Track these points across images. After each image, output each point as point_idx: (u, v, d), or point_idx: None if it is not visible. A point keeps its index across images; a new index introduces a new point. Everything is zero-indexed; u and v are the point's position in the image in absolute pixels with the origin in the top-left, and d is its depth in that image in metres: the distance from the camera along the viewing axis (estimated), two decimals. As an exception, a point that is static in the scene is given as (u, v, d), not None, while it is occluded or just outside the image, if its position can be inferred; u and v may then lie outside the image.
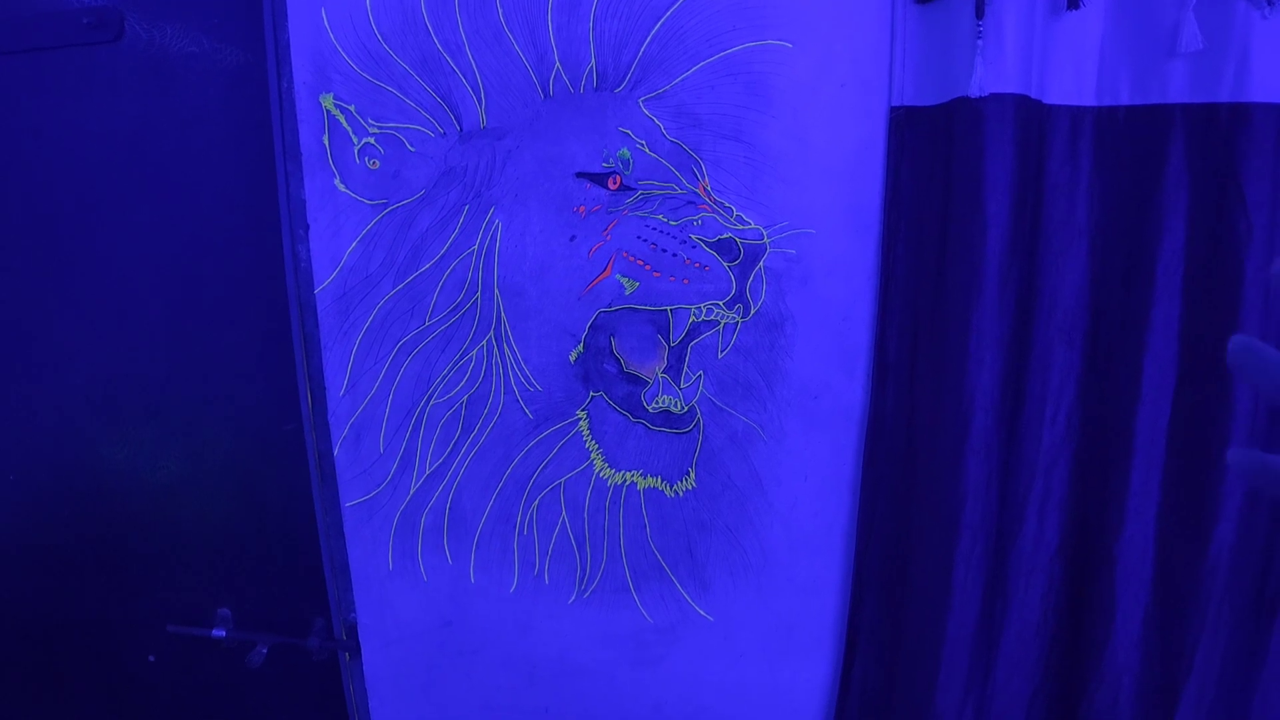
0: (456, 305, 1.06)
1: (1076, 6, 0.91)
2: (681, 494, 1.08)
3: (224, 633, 1.22)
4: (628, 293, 1.03)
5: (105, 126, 1.14)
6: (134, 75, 1.12)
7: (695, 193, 1.00)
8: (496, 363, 1.07)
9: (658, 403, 1.06)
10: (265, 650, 1.20)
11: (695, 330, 1.03)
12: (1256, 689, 0.99)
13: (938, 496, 0.98)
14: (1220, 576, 0.95)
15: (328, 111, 1.04)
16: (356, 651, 1.20)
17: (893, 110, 0.97)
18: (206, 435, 1.21)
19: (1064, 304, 0.97)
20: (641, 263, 1.02)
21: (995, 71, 0.90)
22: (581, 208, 1.02)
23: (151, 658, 1.31)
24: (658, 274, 1.02)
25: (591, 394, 1.06)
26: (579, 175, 1.02)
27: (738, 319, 1.02)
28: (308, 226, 1.07)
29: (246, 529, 1.23)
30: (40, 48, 1.13)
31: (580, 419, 1.07)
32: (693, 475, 1.07)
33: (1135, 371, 0.95)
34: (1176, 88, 0.91)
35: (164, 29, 1.10)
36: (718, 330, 1.03)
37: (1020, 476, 1.00)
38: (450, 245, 1.05)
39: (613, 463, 1.08)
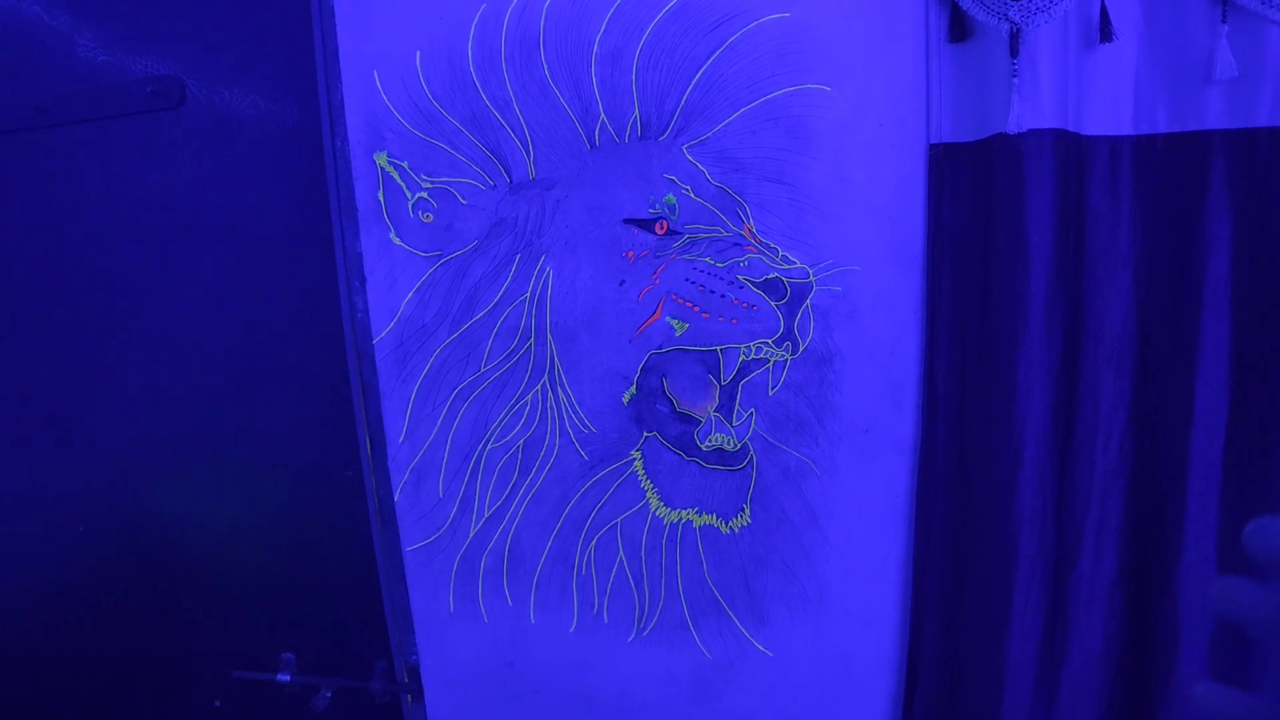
0: (511, 351, 1.09)
1: (1110, 39, 0.92)
2: (737, 530, 1.09)
3: (288, 677, 1.25)
4: (678, 334, 1.06)
5: (169, 187, 1.19)
6: (195, 138, 1.17)
7: (741, 234, 1.03)
8: (551, 406, 1.09)
9: (711, 441, 1.07)
10: (329, 694, 1.22)
11: (745, 369, 1.05)
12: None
13: (993, 526, 0.99)
14: (1285, 600, 0.94)
15: (381, 168, 1.08)
16: (419, 693, 1.22)
17: (931, 147, 0.99)
18: (269, 483, 1.24)
19: (1111, 331, 0.98)
20: (690, 304, 1.05)
21: (1032, 108, 0.92)
22: (630, 253, 1.05)
23: (218, 703, 1.33)
24: (706, 315, 1.04)
25: (645, 434, 1.09)
26: (627, 222, 1.05)
27: (787, 356, 1.04)
28: (364, 279, 1.11)
29: (309, 574, 1.25)
30: (107, 116, 1.19)
31: (635, 459, 1.09)
32: (747, 511, 1.09)
33: (1187, 396, 0.95)
34: (1214, 114, 0.92)
35: (223, 94, 1.16)
36: (768, 368, 1.05)
37: (1075, 504, 1.00)
38: (503, 293, 1.08)
39: (668, 501, 1.10)
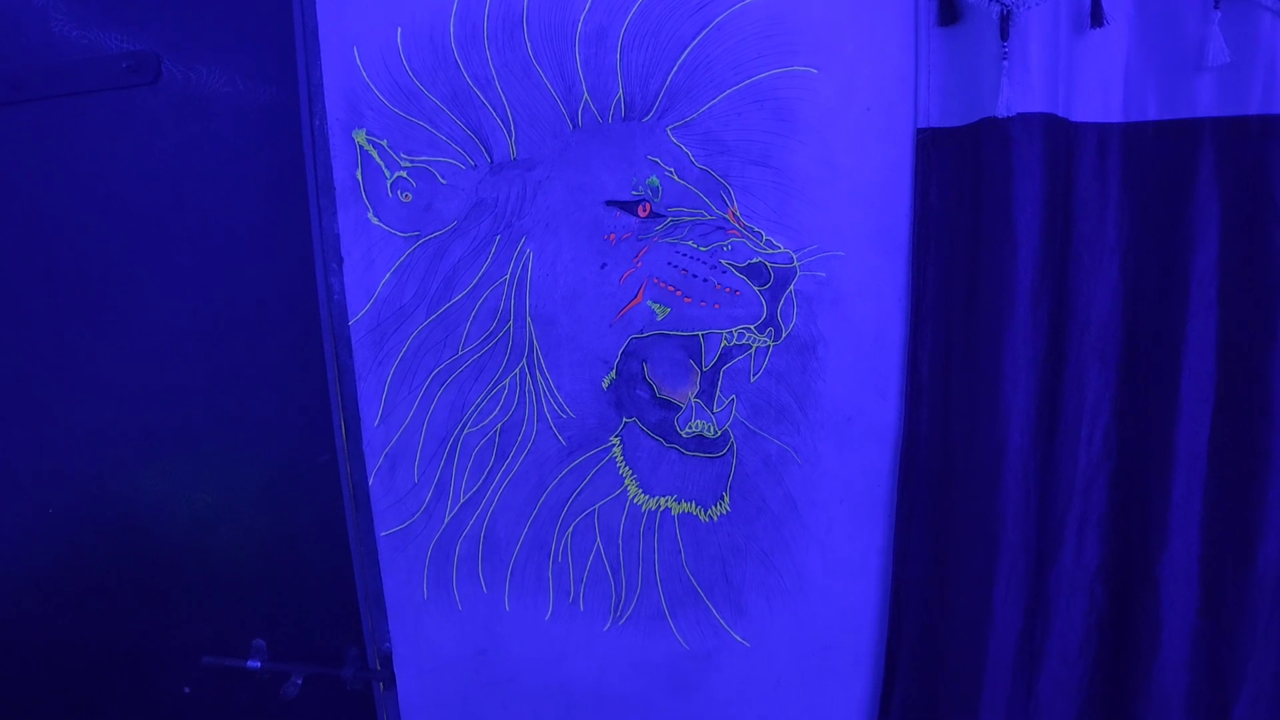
0: (489, 334, 1.07)
1: (1101, 24, 0.91)
2: (716, 519, 1.08)
3: (259, 664, 1.23)
4: (659, 319, 1.04)
5: (144, 165, 1.17)
6: (171, 115, 1.15)
7: (724, 218, 1.01)
8: (529, 391, 1.08)
9: (691, 428, 1.06)
10: (300, 681, 1.20)
11: (727, 355, 1.04)
12: (1310, 709, 0.97)
13: (976, 517, 0.97)
14: (1268, 594, 0.94)
15: (360, 147, 1.06)
16: (391, 681, 1.20)
17: (919, 132, 0.98)
18: (241, 466, 1.22)
19: (1097, 321, 0.97)
20: (672, 289, 1.03)
21: (1021, 91, 0.90)
22: (612, 235, 1.03)
23: (187, 689, 1.31)
24: (689, 299, 1.03)
25: (625, 420, 1.07)
26: (609, 204, 1.03)
27: (769, 342, 1.03)
28: (341, 259, 1.09)
29: (281, 559, 1.23)
30: (81, 91, 1.17)
31: (614, 445, 1.08)
32: (727, 500, 1.07)
33: (1173, 388, 0.94)
34: (1205, 101, 0.91)
35: (200, 70, 1.13)
36: (749, 354, 1.03)
37: (1058, 496, 0.99)
38: (482, 275, 1.06)
39: (647, 488, 1.08)
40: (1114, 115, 0.94)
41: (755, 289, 1.01)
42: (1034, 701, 1.01)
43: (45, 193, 1.22)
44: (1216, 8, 0.88)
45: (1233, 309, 0.92)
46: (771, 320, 1.02)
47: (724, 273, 1.02)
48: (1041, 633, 1.01)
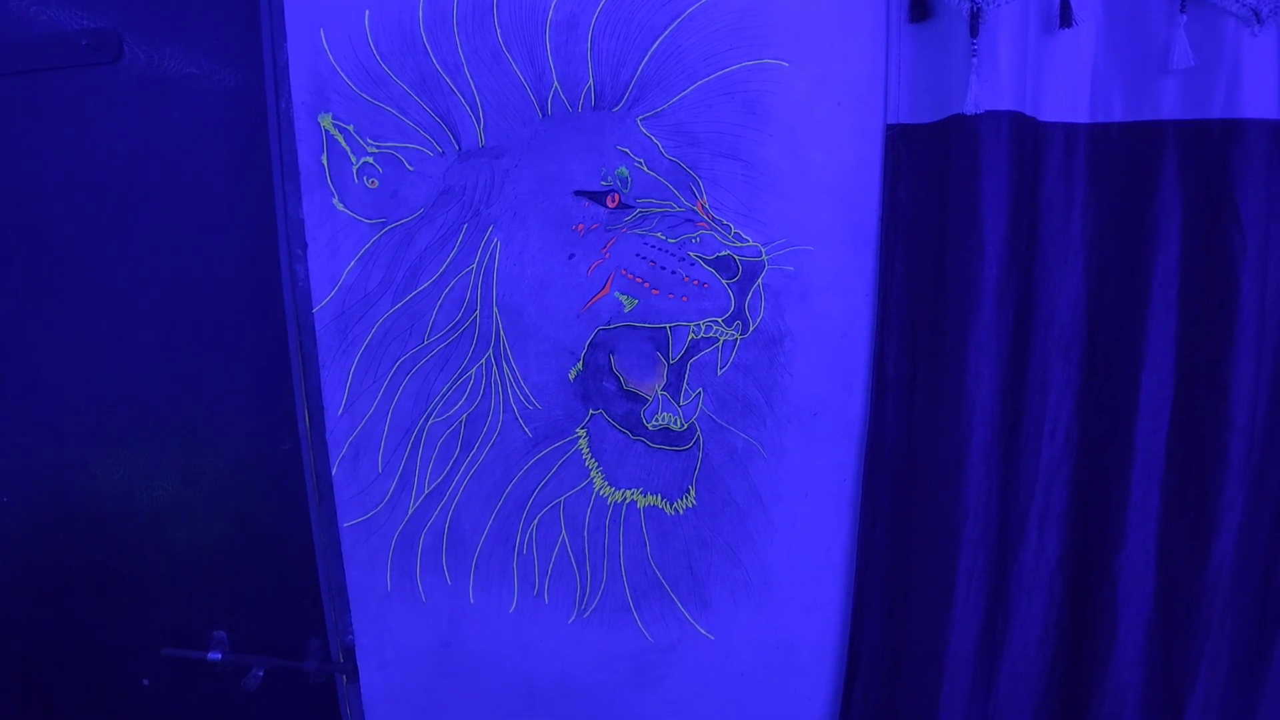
0: (455, 324, 1.06)
1: (1069, 24, 0.92)
2: (682, 512, 1.08)
3: (219, 655, 1.21)
4: (627, 310, 1.03)
5: (103, 146, 1.14)
6: (132, 96, 1.12)
7: (693, 210, 1.01)
8: (495, 381, 1.07)
9: (657, 420, 1.05)
10: (261, 673, 1.19)
11: (694, 347, 1.03)
12: (1261, 703, 0.99)
13: (939, 512, 0.98)
14: (1222, 589, 0.95)
15: (326, 131, 1.04)
16: (354, 674, 1.19)
17: (889, 128, 0.98)
18: (202, 455, 1.20)
19: (1060, 319, 0.98)
20: (640, 280, 1.02)
21: (990, 89, 0.91)
22: (580, 226, 1.02)
23: (146, 681, 1.29)
24: (656, 291, 1.02)
25: (591, 412, 1.06)
26: (577, 194, 1.02)
27: (737, 336, 1.03)
28: (306, 245, 1.07)
29: (243, 550, 1.21)
30: (39, 69, 1.13)
31: (580, 437, 1.07)
32: (693, 493, 1.07)
33: (1133, 385, 0.95)
34: (1169, 104, 0.92)
35: (162, 50, 1.10)
36: (717, 347, 1.03)
37: (1020, 491, 1.00)
38: (449, 264, 1.05)
39: (613, 481, 1.08)
40: (1080, 115, 0.95)
41: (723, 282, 1.01)
42: (993, 695, 1.02)
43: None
44: (1182, 12, 0.89)
45: (1192, 308, 0.94)
46: (739, 314, 1.02)
47: (692, 265, 1.01)
48: (1002, 627, 1.02)
